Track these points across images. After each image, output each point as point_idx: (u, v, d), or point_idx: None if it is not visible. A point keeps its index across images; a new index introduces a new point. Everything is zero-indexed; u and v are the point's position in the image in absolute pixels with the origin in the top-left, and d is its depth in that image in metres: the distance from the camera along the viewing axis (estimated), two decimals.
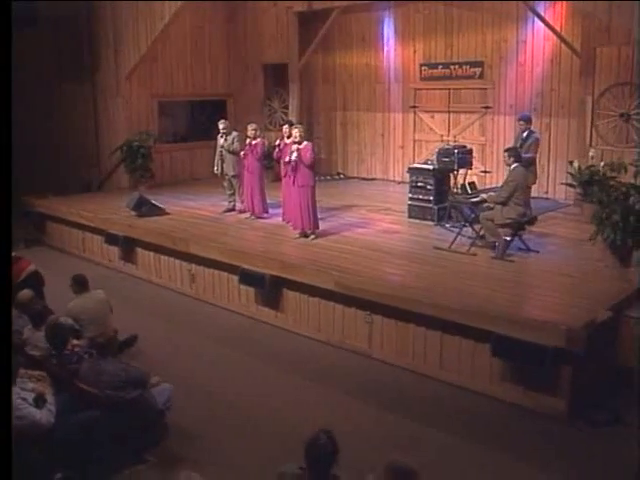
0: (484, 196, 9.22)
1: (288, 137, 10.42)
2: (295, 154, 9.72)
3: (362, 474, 4.26)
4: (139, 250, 11.15)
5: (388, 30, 14.86)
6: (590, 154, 10.89)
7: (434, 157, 10.97)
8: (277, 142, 10.70)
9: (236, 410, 6.81)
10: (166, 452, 5.85)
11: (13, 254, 8.32)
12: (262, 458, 5.81)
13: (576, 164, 10.80)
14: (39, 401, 5.21)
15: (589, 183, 10.32)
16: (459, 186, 9.99)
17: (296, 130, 9.95)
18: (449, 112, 14.23)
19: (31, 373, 5.76)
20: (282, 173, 10.56)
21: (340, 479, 3.89)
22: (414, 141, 14.91)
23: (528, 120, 10.12)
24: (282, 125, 11.19)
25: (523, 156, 9.57)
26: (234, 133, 11.45)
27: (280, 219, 10.92)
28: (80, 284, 7.73)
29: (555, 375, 6.47)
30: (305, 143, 9.83)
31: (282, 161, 10.41)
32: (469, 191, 9.45)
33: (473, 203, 9.26)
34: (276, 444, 6.04)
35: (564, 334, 6.21)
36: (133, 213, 11.67)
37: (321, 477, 3.87)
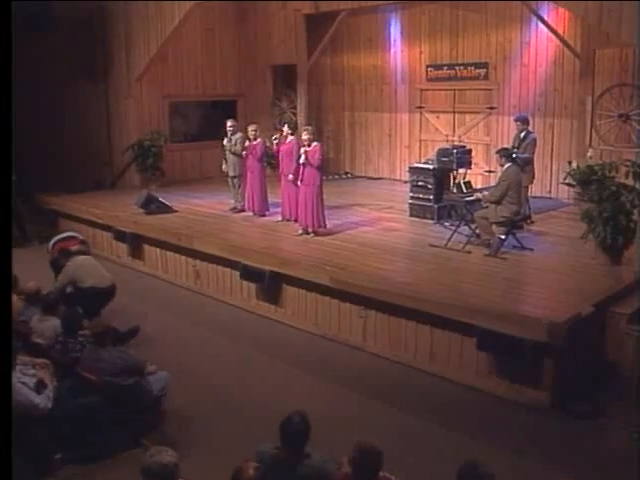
0: (479, 195, 9.43)
1: (286, 137, 10.87)
2: (303, 157, 9.94)
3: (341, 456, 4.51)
4: (146, 246, 11.49)
5: (394, 32, 15.09)
6: (588, 154, 11.06)
7: (434, 157, 11.21)
8: (274, 137, 11.11)
9: (231, 398, 7.10)
10: (162, 436, 6.11)
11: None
12: (252, 441, 6.05)
13: (574, 164, 10.96)
14: (39, 387, 5.53)
15: (587, 182, 10.48)
16: (454, 185, 10.21)
17: (305, 132, 10.15)
18: (454, 112, 14.43)
19: (35, 361, 6.11)
20: (280, 171, 10.97)
21: (312, 456, 4.15)
22: (420, 141, 15.12)
23: (525, 120, 10.34)
24: (284, 125, 11.44)
25: (520, 156, 9.80)
26: (238, 134, 11.70)
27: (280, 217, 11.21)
28: (65, 256, 8.52)
29: (538, 368, 6.69)
30: (314, 144, 10.04)
31: (279, 160, 10.91)
32: (464, 190, 9.66)
33: (467, 202, 9.46)
34: (266, 428, 6.22)
35: (545, 328, 6.42)
36: (141, 211, 11.98)
37: (294, 454, 4.14)
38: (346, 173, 16.38)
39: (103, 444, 5.83)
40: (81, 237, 10.04)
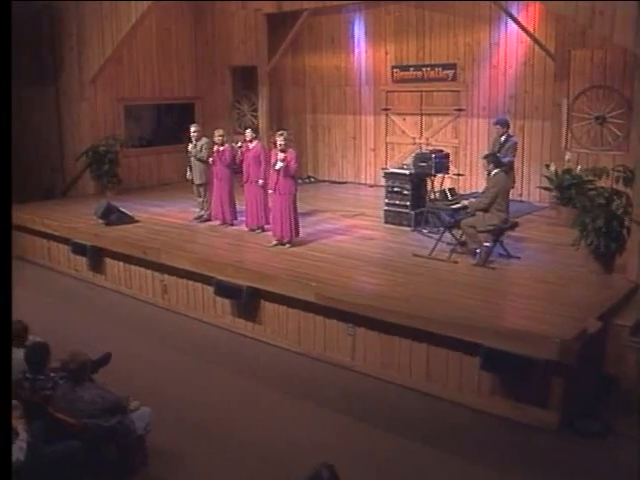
0: (465, 202, 9.04)
1: (250, 142, 10.34)
2: (280, 163, 9.36)
3: None
4: (108, 260, 10.74)
5: (358, 32, 14.69)
6: (566, 157, 10.84)
7: (410, 162, 10.82)
8: (239, 144, 10.56)
9: (215, 428, 6.53)
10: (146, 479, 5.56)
11: None
12: (243, 476, 5.58)
13: (553, 167, 10.71)
14: None
15: (566, 187, 10.24)
16: (439, 192, 9.81)
17: (281, 137, 9.50)
18: (421, 115, 14.12)
19: None
20: (244, 178, 10.43)
21: None
22: (386, 144, 14.77)
23: (505, 124, 10.02)
24: (246, 129, 10.84)
25: (503, 160, 9.46)
26: (204, 139, 11.05)
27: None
28: None
29: (546, 387, 6.33)
30: (290, 151, 9.51)
31: (245, 166, 10.35)
32: (449, 197, 9.28)
33: (454, 209, 9.07)
34: (256, 461, 5.86)
35: (557, 347, 6.04)
36: (101, 221, 11.26)
37: None
38: (309, 177, 15.88)
39: None
40: None
